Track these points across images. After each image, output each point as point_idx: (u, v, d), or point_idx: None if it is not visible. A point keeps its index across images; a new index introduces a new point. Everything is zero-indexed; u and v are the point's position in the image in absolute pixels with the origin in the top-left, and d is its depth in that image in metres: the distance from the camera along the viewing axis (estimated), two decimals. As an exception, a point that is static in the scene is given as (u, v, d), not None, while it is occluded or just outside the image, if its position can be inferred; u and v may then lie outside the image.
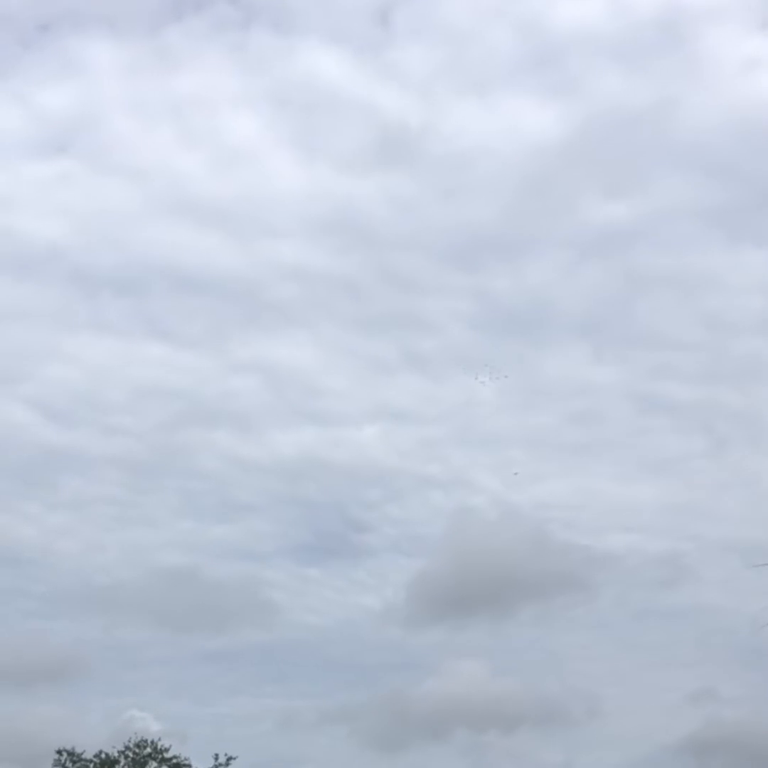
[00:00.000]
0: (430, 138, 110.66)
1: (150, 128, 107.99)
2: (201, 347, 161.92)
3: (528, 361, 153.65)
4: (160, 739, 50.63)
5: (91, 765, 48.99)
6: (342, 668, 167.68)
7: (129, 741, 50.00)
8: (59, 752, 48.86)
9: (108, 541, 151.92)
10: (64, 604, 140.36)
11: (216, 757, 50.20)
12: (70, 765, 48.80)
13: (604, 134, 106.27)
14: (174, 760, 49.82)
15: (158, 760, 49.61)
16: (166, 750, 50.01)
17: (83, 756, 49.15)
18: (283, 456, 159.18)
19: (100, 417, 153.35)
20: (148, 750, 49.77)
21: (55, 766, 48.71)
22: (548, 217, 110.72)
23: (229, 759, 50.04)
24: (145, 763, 49.38)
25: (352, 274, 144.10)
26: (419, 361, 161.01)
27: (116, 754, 49.40)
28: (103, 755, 49.35)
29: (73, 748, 49.41)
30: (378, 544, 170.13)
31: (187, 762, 50.16)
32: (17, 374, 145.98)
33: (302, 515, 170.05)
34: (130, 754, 49.42)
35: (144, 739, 50.30)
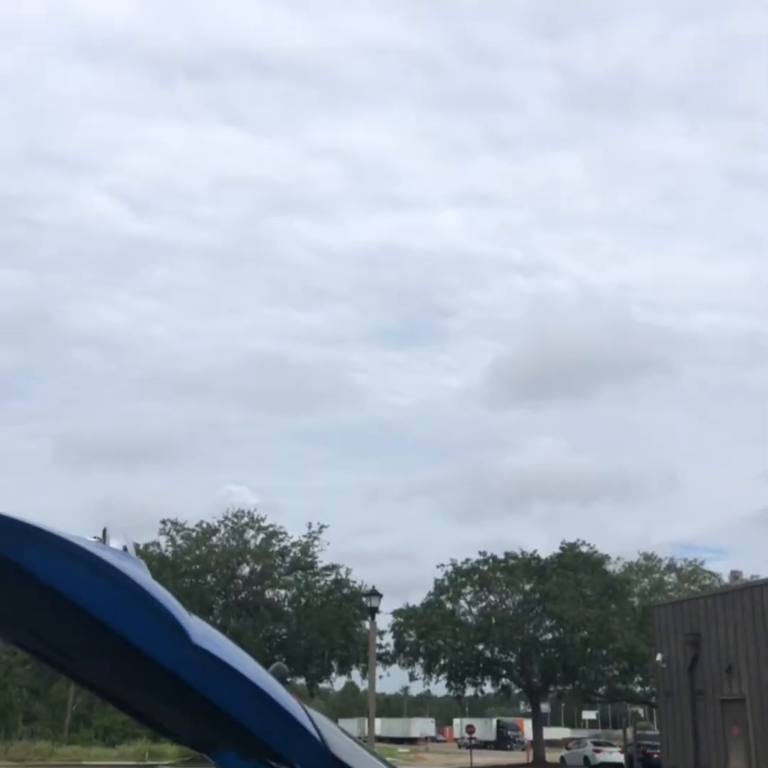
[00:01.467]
0: None
1: None
2: (277, 133, 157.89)
3: (615, 137, 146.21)
4: (256, 510, 53.84)
5: (193, 533, 52.43)
6: (426, 445, 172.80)
7: (227, 512, 53.41)
8: (164, 522, 52.50)
9: (198, 328, 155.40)
10: (161, 388, 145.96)
11: (309, 525, 53.49)
12: (174, 533, 52.31)
13: None
14: (270, 529, 53.02)
15: (255, 528, 52.83)
16: (263, 520, 53.22)
17: (186, 525, 52.69)
18: (364, 243, 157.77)
19: (183, 207, 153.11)
20: (246, 520, 52.96)
21: (161, 534, 52.48)
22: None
23: (322, 527, 53.18)
24: (243, 531, 52.58)
25: (430, 48, 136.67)
26: (501, 141, 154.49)
27: (216, 524, 52.79)
28: (204, 525, 52.79)
29: (176, 519, 53.03)
30: (460, 329, 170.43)
31: (282, 530, 53.39)
32: (98, 164, 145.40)
33: (384, 301, 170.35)
34: (229, 524, 52.71)
35: (241, 509, 53.61)
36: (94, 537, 1.82)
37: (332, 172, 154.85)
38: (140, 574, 1.63)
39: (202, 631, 1.61)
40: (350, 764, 1.64)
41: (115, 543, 1.74)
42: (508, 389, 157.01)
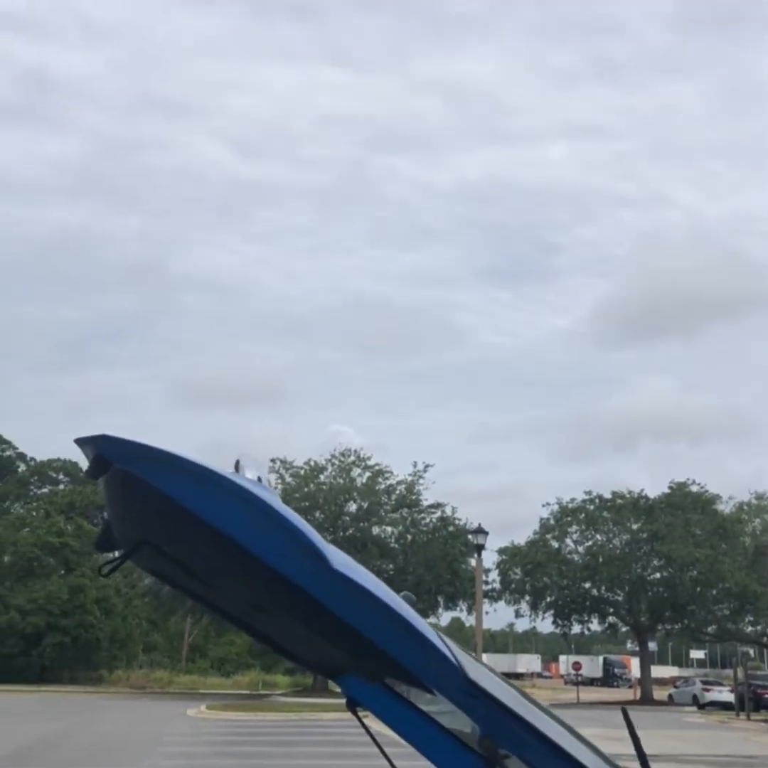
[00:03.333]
0: None
1: None
2: (382, 69, 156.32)
3: (733, 62, 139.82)
4: (362, 449, 54.61)
5: (302, 471, 53.56)
6: (532, 385, 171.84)
7: (334, 451, 54.31)
8: (273, 460, 53.75)
9: (303, 270, 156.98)
10: (268, 330, 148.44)
11: (414, 464, 54.09)
12: (283, 471, 53.57)
13: None
14: (376, 467, 53.74)
15: (361, 467, 53.64)
16: (368, 458, 53.99)
17: (294, 464, 53.85)
18: (470, 179, 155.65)
19: (289, 148, 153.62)
20: (352, 458, 53.80)
21: (270, 472, 53.66)
22: None
23: (427, 466, 53.68)
24: (350, 469, 53.44)
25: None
26: (611, 69, 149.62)
27: (323, 462, 53.79)
28: (311, 463, 53.83)
29: (284, 457, 54.25)
30: (568, 266, 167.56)
31: (387, 469, 54.09)
32: (205, 108, 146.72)
33: (490, 239, 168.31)
34: (336, 462, 53.64)
35: (348, 448, 54.47)
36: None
37: (437, 107, 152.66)
38: (277, 501, 1.68)
39: (341, 557, 1.66)
40: (485, 687, 1.66)
41: (249, 473, 1.77)
42: (617, 327, 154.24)
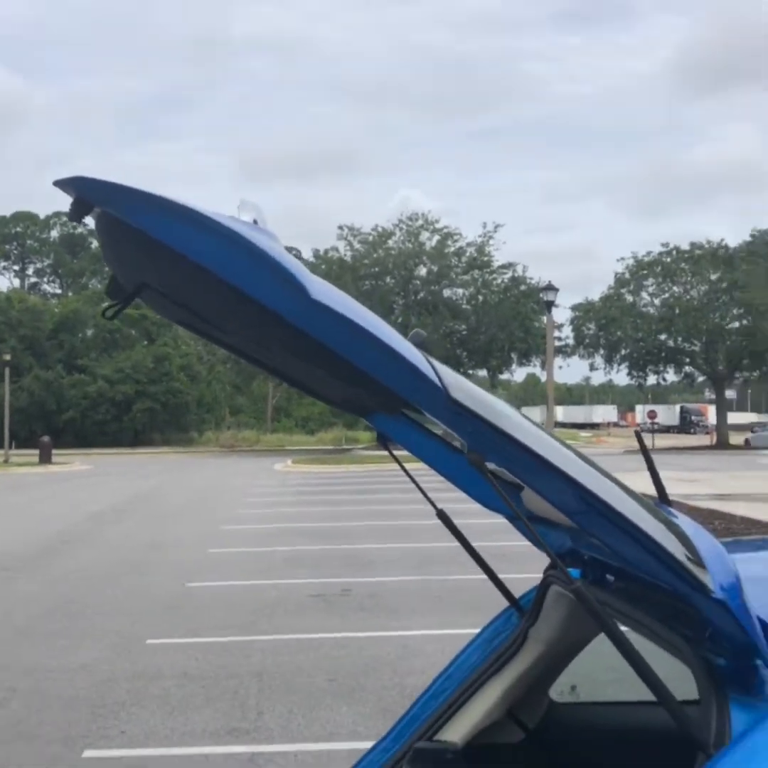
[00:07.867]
0: None
1: None
2: None
3: None
4: (429, 212, 53.87)
5: (370, 238, 53.30)
6: (605, 138, 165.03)
7: (401, 215, 53.66)
8: (341, 227, 53.58)
9: (365, 22, 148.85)
10: (333, 92, 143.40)
11: (484, 225, 53.26)
12: (351, 238, 53.40)
13: None
14: (444, 230, 53.17)
15: (430, 230, 53.11)
16: (437, 221, 53.32)
17: (362, 230, 53.57)
18: None
19: None
20: (420, 222, 53.22)
21: (339, 239, 53.69)
22: None
23: (497, 226, 52.95)
24: (418, 233, 52.97)
25: None
26: None
27: (391, 228, 53.38)
28: (379, 229, 53.46)
29: (352, 224, 53.92)
30: (646, 5, 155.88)
31: (456, 231, 53.53)
32: None
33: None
34: (404, 227, 53.16)
35: (415, 212, 53.76)
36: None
37: None
38: (261, 238, 1.65)
39: (323, 289, 1.66)
40: (468, 405, 1.73)
41: (245, 216, 1.75)
42: (698, 72, 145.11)
